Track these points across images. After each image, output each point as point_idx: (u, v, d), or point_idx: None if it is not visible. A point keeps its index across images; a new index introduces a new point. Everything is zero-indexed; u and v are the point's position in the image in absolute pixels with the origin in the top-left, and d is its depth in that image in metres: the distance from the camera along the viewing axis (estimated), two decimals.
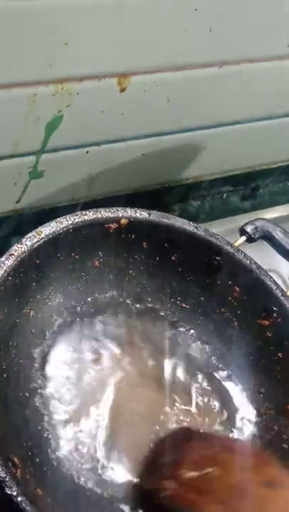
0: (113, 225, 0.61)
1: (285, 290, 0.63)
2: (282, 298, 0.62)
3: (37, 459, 0.53)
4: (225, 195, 0.84)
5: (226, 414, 0.62)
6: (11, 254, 0.56)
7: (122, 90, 0.60)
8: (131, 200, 0.73)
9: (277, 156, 0.82)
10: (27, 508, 0.46)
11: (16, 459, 0.50)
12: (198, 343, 0.65)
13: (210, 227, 0.79)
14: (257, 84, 0.68)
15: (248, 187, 0.85)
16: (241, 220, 0.83)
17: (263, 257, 0.66)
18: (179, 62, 0.61)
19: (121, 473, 0.56)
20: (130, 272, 0.64)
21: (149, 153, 0.69)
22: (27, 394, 0.56)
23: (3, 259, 0.55)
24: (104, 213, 0.61)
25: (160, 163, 0.72)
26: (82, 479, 0.55)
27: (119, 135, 0.65)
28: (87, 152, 0.65)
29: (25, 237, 0.57)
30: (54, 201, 0.68)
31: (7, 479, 0.46)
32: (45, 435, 0.55)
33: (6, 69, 0.53)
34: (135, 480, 0.56)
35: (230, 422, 0.62)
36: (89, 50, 0.55)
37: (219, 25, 0.59)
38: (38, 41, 0.52)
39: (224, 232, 0.79)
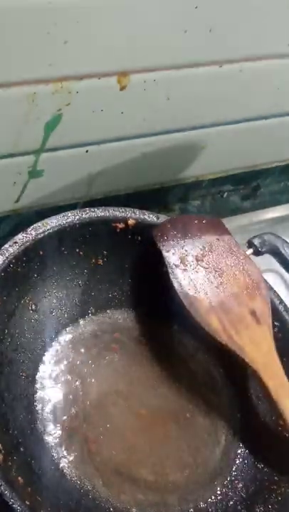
0: (120, 225, 0.61)
1: None
2: (284, 313, 0.62)
3: (21, 448, 0.52)
4: (225, 194, 0.84)
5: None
6: (15, 242, 0.56)
7: (122, 89, 0.59)
8: (131, 199, 0.73)
9: (277, 155, 0.82)
10: (5, 492, 0.46)
11: None
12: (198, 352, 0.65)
13: None
14: (257, 83, 0.68)
15: (249, 186, 0.84)
16: (242, 219, 0.84)
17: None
18: (179, 61, 0.60)
19: None
20: (134, 273, 0.64)
21: (148, 152, 0.69)
22: (18, 383, 0.56)
23: (6, 246, 0.55)
24: (112, 212, 0.61)
25: (160, 162, 0.72)
26: (68, 472, 0.55)
27: (119, 134, 0.65)
28: (87, 151, 0.65)
29: (31, 227, 0.57)
30: (53, 201, 0.68)
31: None
32: (34, 425, 0.55)
33: (6, 68, 0.53)
34: None
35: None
36: (89, 49, 0.55)
37: (219, 24, 0.59)
38: (38, 40, 0.51)
39: None
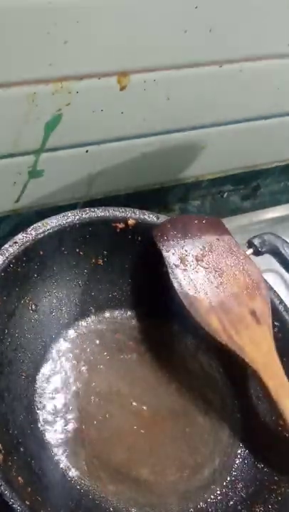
0: (120, 225, 0.61)
1: None
2: (284, 313, 0.62)
3: (21, 448, 0.52)
4: (225, 194, 0.84)
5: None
6: (15, 242, 0.56)
7: (122, 89, 0.59)
8: (131, 199, 0.73)
9: (277, 155, 0.82)
10: (5, 492, 0.46)
11: None
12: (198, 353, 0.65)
13: None
14: (257, 83, 0.68)
15: (249, 186, 0.84)
16: (242, 219, 0.83)
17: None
18: (179, 61, 0.60)
19: None
20: (134, 274, 0.64)
21: (148, 152, 0.69)
22: (18, 383, 0.56)
23: (6, 246, 0.55)
24: (112, 212, 0.61)
25: (160, 162, 0.72)
26: (67, 472, 0.54)
27: (119, 134, 0.65)
28: (87, 151, 0.64)
29: (31, 227, 0.57)
30: (53, 201, 0.68)
31: None
32: (34, 425, 0.55)
33: (6, 68, 0.53)
34: None
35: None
36: (89, 49, 0.55)
37: (219, 24, 0.59)
38: (38, 40, 0.51)
39: None
